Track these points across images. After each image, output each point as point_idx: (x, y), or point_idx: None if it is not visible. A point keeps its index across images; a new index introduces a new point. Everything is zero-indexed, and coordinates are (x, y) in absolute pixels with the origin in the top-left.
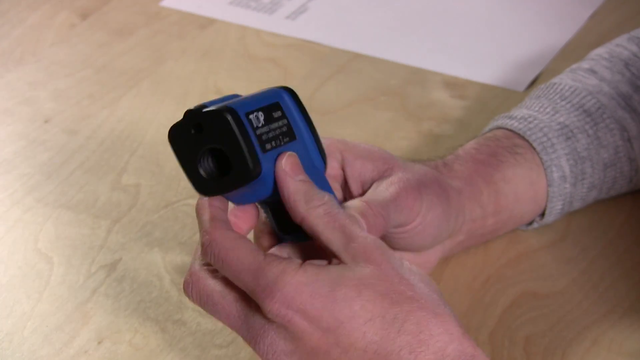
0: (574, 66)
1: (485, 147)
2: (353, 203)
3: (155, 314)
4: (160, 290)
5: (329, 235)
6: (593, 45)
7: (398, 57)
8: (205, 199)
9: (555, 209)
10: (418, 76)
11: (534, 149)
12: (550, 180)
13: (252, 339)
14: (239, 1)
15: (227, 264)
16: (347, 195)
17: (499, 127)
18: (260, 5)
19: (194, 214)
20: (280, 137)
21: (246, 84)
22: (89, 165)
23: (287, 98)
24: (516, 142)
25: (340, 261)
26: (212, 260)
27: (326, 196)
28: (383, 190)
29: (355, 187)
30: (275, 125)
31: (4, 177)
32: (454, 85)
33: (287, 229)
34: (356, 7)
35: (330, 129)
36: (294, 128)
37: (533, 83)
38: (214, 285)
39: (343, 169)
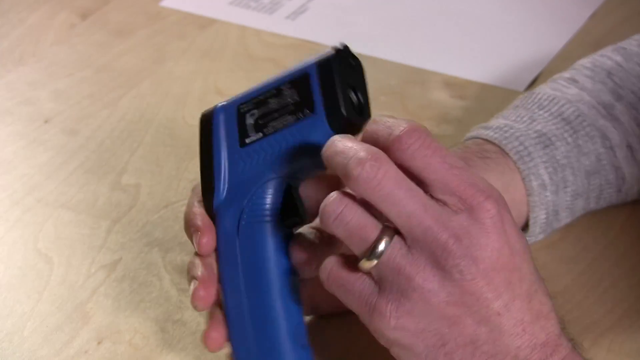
0: (555, 76)
1: (453, 154)
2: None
3: (155, 314)
4: (160, 290)
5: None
6: (593, 45)
7: (398, 57)
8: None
9: (540, 219)
10: (418, 76)
11: (511, 157)
12: (530, 189)
13: (450, 234)
14: (239, 1)
15: (440, 154)
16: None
17: (473, 138)
18: (260, 5)
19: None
20: None
21: (246, 84)
22: (89, 165)
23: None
24: (486, 147)
25: None
26: (415, 147)
27: None
28: None
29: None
30: None
31: (4, 177)
32: (454, 85)
33: (292, 215)
34: (356, 7)
35: None
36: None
37: (533, 83)
38: (404, 174)
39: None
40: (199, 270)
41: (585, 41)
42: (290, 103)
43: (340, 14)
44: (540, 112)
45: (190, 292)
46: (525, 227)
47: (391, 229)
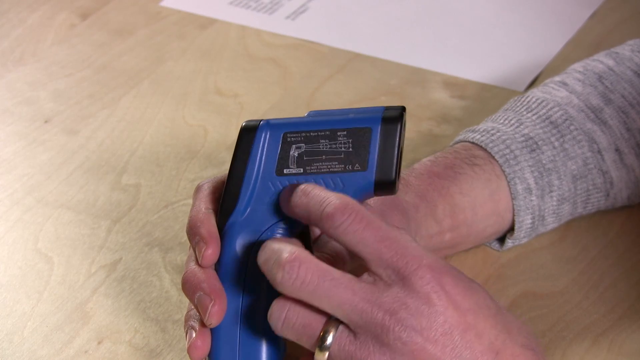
0: (547, 80)
1: (441, 159)
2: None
3: (155, 314)
4: (160, 290)
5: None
6: (593, 45)
7: (398, 57)
8: (315, 188)
9: (525, 223)
10: (418, 76)
11: (496, 161)
12: (515, 193)
13: (385, 311)
14: (239, 1)
15: (372, 228)
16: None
17: (461, 141)
18: (260, 5)
19: None
20: None
21: (246, 84)
22: (89, 165)
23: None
24: (475, 153)
25: None
26: (346, 225)
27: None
28: None
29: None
30: None
31: (4, 177)
32: (453, 85)
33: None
34: (356, 7)
35: None
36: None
37: (533, 83)
38: (324, 264)
39: None
40: (197, 322)
41: (585, 41)
42: (342, 151)
43: (340, 14)
44: (528, 114)
45: (188, 342)
46: (510, 231)
47: (336, 320)
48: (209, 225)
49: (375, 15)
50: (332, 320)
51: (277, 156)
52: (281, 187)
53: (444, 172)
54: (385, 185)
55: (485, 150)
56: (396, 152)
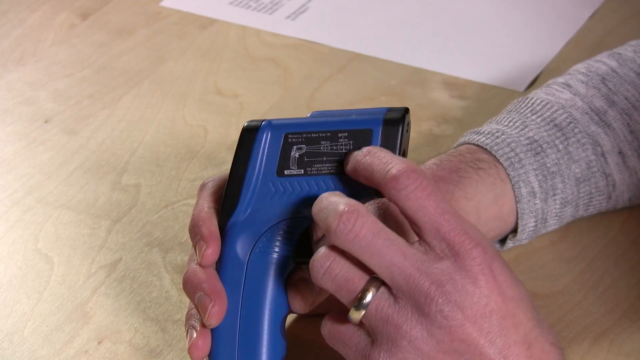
0: (550, 81)
1: (446, 162)
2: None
3: (155, 314)
4: (160, 290)
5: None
6: (593, 45)
7: (398, 57)
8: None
9: (528, 226)
10: (418, 76)
11: (501, 164)
12: (519, 197)
13: (432, 281)
14: (239, 1)
15: (434, 199)
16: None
17: (465, 143)
18: (260, 5)
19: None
20: None
21: (246, 84)
22: (89, 165)
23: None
24: (480, 156)
25: None
26: (409, 190)
27: None
28: None
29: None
30: None
31: (4, 177)
32: (453, 85)
33: (304, 255)
34: (356, 7)
35: None
36: None
37: (533, 83)
38: (381, 223)
39: None
40: (198, 321)
41: (585, 41)
42: (343, 152)
43: (340, 14)
44: (533, 117)
45: (188, 342)
46: (512, 233)
47: (378, 280)
48: (210, 225)
49: (375, 15)
50: (375, 280)
51: (278, 157)
52: (282, 189)
53: (449, 176)
54: None
55: (490, 153)
56: (397, 154)
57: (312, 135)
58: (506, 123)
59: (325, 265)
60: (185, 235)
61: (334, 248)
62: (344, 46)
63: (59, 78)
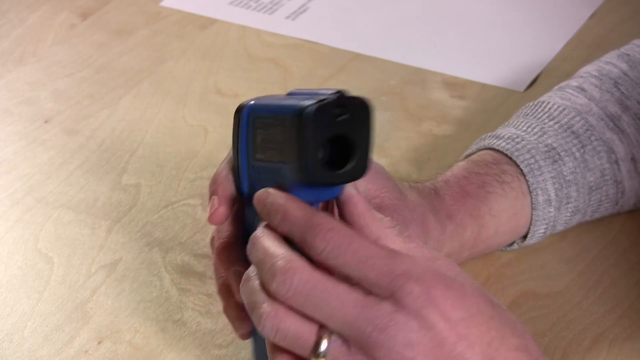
0: (562, 84)
1: (474, 176)
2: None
3: (155, 314)
4: (160, 290)
5: (410, 253)
6: (593, 45)
7: (398, 57)
8: (284, 195)
9: (538, 232)
10: (418, 76)
11: (521, 171)
12: (535, 204)
13: (374, 329)
14: (239, 1)
15: (353, 249)
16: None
17: (486, 148)
18: (260, 5)
19: (194, 214)
20: None
21: (246, 84)
22: (89, 165)
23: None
24: (504, 168)
25: None
26: (330, 246)
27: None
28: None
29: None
30: None
31: (4, 177)
32: (454, 85)
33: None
34: (356, 7)
35: None
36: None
37: (533, 83)
38: (321, 274)
39: None
40: (220, 187)
41: (585, 41)
42: (282, 140)
43: (340, 14)
44: (550, 122)
45: (210, 208)
46: (521, 238)
47: (327, 329)
48: (226, 186)
49: (375, 15)
50: (325, 329)
51: (252, 140)
52: (260, 171)
53: (476, 192)
54: (306, 177)
55: (513, 164)
56: (309, 142)
57: (269, 120)
58: (524, 128)
59: (274, 328)
60: (186, 235)
61: (279, 304)
62: (344, 46)
63: (59, 78)
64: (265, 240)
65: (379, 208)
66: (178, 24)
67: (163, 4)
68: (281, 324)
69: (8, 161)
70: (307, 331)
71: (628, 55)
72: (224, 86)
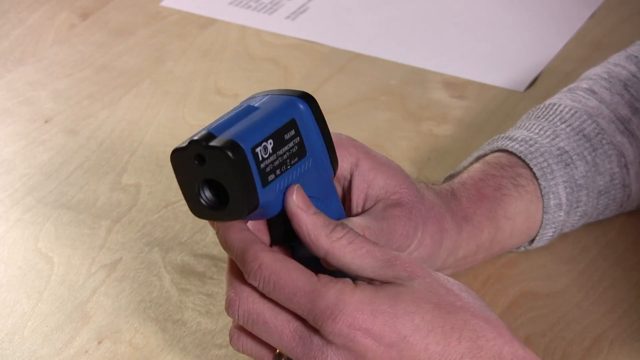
0: (572, 85)
1: (491, 178)
2: (353, 220)
3: (155, 314)
4: (160, 290)
5: (360, 263)
6: (593, 45)
7: (398, 57)
8: (233, 223)
9: (546, 236)
10: (418, 76)
11: (534, 174)
12: (547, 208)
13: (311, 357)
14: (239, 1)
15: (279, 286)
16: (345, 202)
17: (499, 149)
18: (260, 5)
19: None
20: (288, 160)
21: (246, 84)
22: (89, 165)
23: (303, 109)
24: (519, 171)
25: (381, 283)
26: (261, 284)
27: (342, 225)
28: (380, 218)
29: (356, 197)
30: (285, 148)
31: (4, 177)
32: (454, 85)
33: (279, 240)
34: (356, 7)
35: (330, 129)
36: (306, 143)
37: (533, 83)
38: (263, 305)
39: (352, 174)
40: None
41: (585, 41)
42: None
43: (340, 14)
44: (562, 125)
45: None
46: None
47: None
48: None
49: (375, 15)
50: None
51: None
52: None
53: (492, 194)
54: (197, 215)
55: (527, 166)
56: (181, 181)
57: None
58: (537, 131)
59: (239, 348)
60: (186, 235)
61: (239, 329)
62: (344, 46)
63: (59, 78)
64: (226, 272)
65: (398, 204)
66: (178, 24)
67: (163, 4)
68: (244, 346)
69: (8, 161)
70: (265, 353)
71: (636, 57)
72: (224, 86)
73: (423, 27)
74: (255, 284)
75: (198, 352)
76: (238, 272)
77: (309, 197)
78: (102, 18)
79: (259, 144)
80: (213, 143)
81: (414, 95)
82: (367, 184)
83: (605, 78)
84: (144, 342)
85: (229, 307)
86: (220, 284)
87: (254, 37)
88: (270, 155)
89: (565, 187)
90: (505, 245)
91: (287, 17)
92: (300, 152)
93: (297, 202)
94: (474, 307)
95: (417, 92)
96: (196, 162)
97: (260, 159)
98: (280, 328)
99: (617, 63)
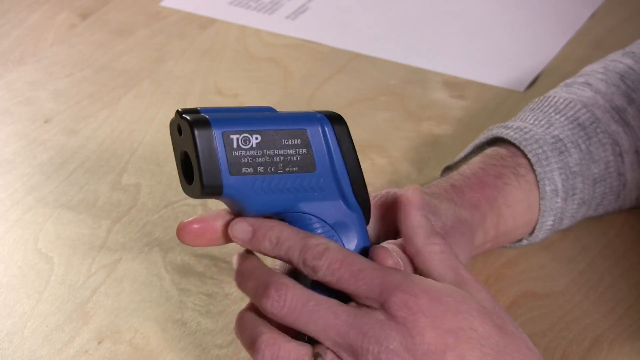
0: (568, 80)
1: (491, 167)
2: (394, 247)
3: (155, 314)
4: (160, 290)
5: (442, 272)
6: (593, 45)
7: (398, 57)
8: (274, 222)
9: (546, 224)
10: (418, 76)
11: (529, 160)
12: (543, 194)
13: (364, 337)
14: (239, 1)
15: (347, 263)
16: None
17: (494, 137)
18: (260, 5)
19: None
20: (282, 165)
21: (246, 84)
22: (89, 165)
23: (324, 126)
24: (519, 161)
25: None
26: (325, 264)
27: (440, 235)
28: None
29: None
30: (279, 152)
31: (4, 177)
32: (454, 85)
33: None
34: (356, 7)
35: None
36: (317, 160)
37: (533, 83)
38: (309, 290)
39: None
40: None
41: (585, 41)
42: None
43: (340, 14)
44: (557, 116)
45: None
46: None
47: (322, 347)
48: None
49: (375, 15)
50: (319, 347)
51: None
52: None
53: (493, 182)
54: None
55: (525, 156)
56: (178, 162)
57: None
58: (532, 121)
59: (274, 354)
60: None
61: (271, 332)
62: (344, 46)
63: (59, 78)
64: (255, 268)
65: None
66: (178, 24)
67: (163, 4)
68: (279, 352)
69: (8, 161)
70: (303, 354)
71: (633, 52)
72: (224, 86)
73: (423, 27)
74: (320, 264)
75: (198, 352)
76: (269, 267)
77: (311, 216)
78: (102, 18)
79: (238, 133)
80: (187, 116)
81: (414, 95)
82: (388, 223)
83: (601, 72)
84: (144, 342)
85: (275, 297)
86: (220, 284)
87: (254, 37)
88: (252, 149)
89: (561, 174)
90: (510, 235)
91: (287, 17)
92: (305, 165)
93: (412, 197)
94: (520, 336)
95: (417, 92)
96: (178, 132)
97: (235, 146)
98: (334, 308)
99: (613, 59)
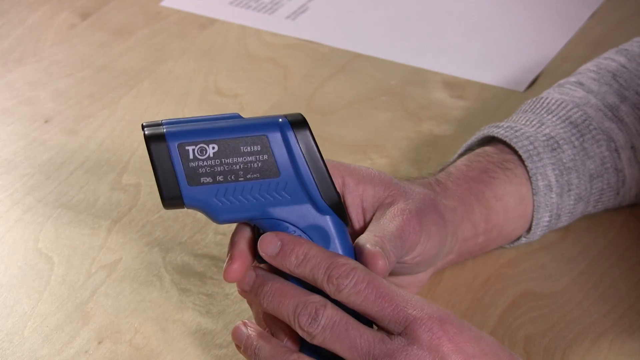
0: (561, 81)
1: (476, 163)
2: (368, 238)
3: (155, 314)
4: (160, 290)
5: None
6: (593, 45)
7: (398, 57)
8: (301, 240)
9: (543, 220)
10: (418, 76)
11: (521, 159)
12: (536, 189)
13: (389, 355)
14: (239, 1)
15: (374, 285)
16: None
17: (485, 136)
18: (261, 5)
19: (194, 214)
20: (243, 172)
21: (246, 84)
22: (89, 165)
23: (285, 132)
24: (506, 156)
25: None
26: (351, 283)
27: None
28: (387, 223)
29: (355, 213)
30: (239, 159)
31: (4, 177)
32: (454, 85)
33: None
34: (356, 7)
35: (330, 129)
36: (280, 165)
37: (533, 83)
38: (341, 311)
39: (343, 195)
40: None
41: (585, 41)
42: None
43: (340, 14)
44: (549, 116)
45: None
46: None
47: None
48: (239, 240)
49: (375, 15)
50: None
51: None
52: None
53: (479, 176)
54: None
55: (514, 153)
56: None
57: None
58: (523, 122)
59: None
60: (186, 235)
61: (304, 356)
62: (344, 46)
63: (59, 78)
64: (289, 287)
65: (394, 205)
66: (178, 24)
67: (163, 4)
68: None
69: (8, 161)
70: None
71: (626, 50)
72: (224, 86)
73: (423, 27)
74: (346, 283)
75: (198, 352)
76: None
77: (282, 222)
78: (102, 18)
79: (194, 144)
80: (147, 130)
81: (414, 95)
82: (360, 199)
83: (593, 70)
84: (144, 342)
85: (312, 314)
86: (220, 284)
87: (254, 37)
88: (209, 158)
89: (554, 169)
90: (504, 228)
91: (287, 17)
92: (268, 171)
93: (376, 267)
94: None
95: (417, 92)
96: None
97: (191, 157)
98: (362, 330)
99: (606, 57)
